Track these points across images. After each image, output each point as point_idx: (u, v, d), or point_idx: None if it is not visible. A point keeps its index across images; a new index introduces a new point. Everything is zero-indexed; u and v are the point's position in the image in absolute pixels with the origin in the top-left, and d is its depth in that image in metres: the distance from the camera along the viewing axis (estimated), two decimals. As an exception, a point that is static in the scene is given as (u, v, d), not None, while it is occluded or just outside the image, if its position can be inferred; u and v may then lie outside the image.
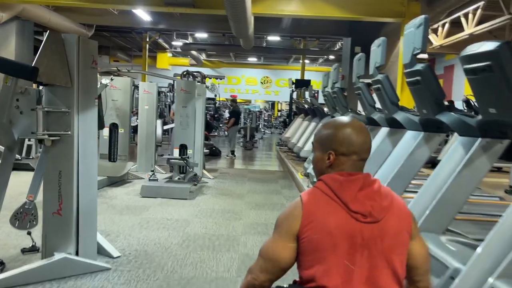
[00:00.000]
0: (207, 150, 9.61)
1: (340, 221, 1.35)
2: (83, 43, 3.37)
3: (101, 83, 6.62)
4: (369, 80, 5.34)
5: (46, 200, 3.40)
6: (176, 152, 7.69)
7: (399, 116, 4.44)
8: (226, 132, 13.38)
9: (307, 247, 1.37)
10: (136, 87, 9.52)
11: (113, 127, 7.80)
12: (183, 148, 7.66)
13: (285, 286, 1.45)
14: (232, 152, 12.45)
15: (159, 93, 15.26)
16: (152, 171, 7.09)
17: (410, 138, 4.25)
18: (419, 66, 3.54)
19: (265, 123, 27.24)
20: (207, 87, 8.83)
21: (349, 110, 7.08)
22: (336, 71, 6.98)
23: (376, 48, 4.68)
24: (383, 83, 4.50)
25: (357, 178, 1.40)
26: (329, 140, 1.44)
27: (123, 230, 4.70)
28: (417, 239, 1.48)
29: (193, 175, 7.05)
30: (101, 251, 3.86)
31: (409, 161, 4.06)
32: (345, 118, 1.48)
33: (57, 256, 3.35)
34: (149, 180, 6.90)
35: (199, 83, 8.56)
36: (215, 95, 10.50)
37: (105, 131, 7.76)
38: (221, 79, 12.20)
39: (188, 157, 7.13)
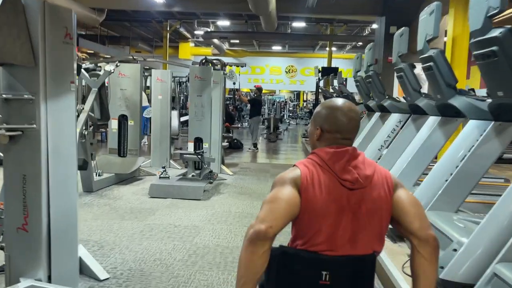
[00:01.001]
0: (227, 144, 8.86)
1: (331, 187, 1.52)
2: (51, 11, 2.61)
3: (104, 70, 5.91)
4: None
5: (8, 213, 2.69)
6: (191, 146, 6.96)
7: (458, 102, 3.68)
8: (248, 124, 12.58)
9: (305, 210, 1.51)
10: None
11: (122, 119, 7.11)
12: (198, 142, 6.92)
13: (281, 246, 1.55)
14: (255, 145, 11.65)
15: (180, 83, 14.63)
16: (164, 167, 6.36)
17: (473, 129, 3.53)
18: (497, 32, 2.62)
19: (290, 114, 26.29)
20: (225, 74, 8.04)
21: (387, 97, 6.17)
22: (371, 52, 6.07)
23: (428, 16, 3.81)
24: (436, 60, 3.66)
25: (345, 151, 1.56)
26: (319, 117, 1.63)
27: (120, 241, 3.98)
28: (401, 190, 1.60)
29: (208, 172, 6.29)
30: (85, 271, 3.14)
31: (474, 158, 3.32)
32: (337, 100, 1.64)
33: (23, 283, 2.64)
34: (160, 178, 6.19)
35: (216, 70, 7.76)
36: (234, 83, 9.68)
37: (114, 124, 7.09)
38: (242, 66, 11.36)
39: (203, 152, 6.37)
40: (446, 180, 3.44)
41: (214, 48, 22.13)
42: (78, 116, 5.32)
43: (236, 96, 16.99)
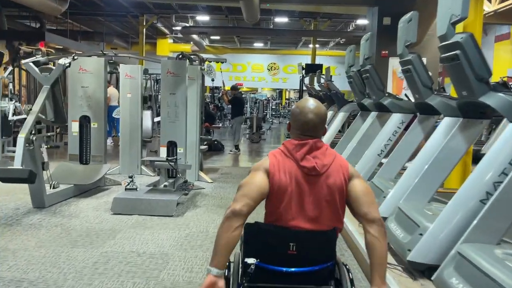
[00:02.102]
0: (205, 147, 8.03)
1: (293, 173, 1.80)
2: None
3: (57, 64, 5.02)
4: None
5: None
6: (163, 151, 6.10)
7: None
8: (230, 124, 11.70)
9: (272, 191, 1.80)
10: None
11: (84, 121, 6.21)
12: (171, 146, 6.06)
13: (256, 222, 1.84)
14: (236, 147, 10.80)
15: (157, 81, 13.69)
16: (131, 176, 5.47)
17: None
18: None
19: (273, 112, 25.54)
20: (202, 69, 7.19)
21: (386, 94, 5.43)
22: (368, 43, 5.30)
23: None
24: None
25: (307, 143, 1.83)
26: (291, 114, 1.94)
27: (64, 280, 3.11)
28: (356, 179, 1.85)
29: (183, 182, 5.44)
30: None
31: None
32: (306, 101, 1.90)
33: None
34: (126, 189, 5.31)
35: (192, 65, 6.92)
36: (213, 79, 8.86)
37: (74, 126, 6.18)
38: (222, 62, 10.53)
39: (176, 159, 5.53)
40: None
41: (194, 44, 21.21)
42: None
43: (217, 95, 16.14)
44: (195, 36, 20.43)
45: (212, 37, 25.05)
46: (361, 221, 1.81)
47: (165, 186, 5.51)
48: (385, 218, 3.54)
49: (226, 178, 7.32)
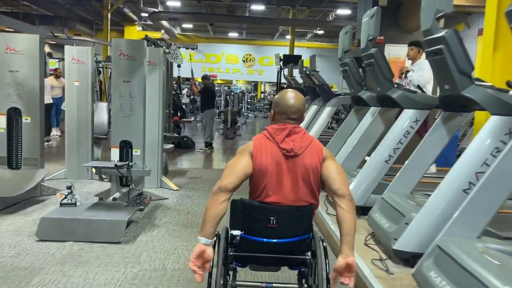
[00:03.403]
0: (171, 146, 6.81)
1: (273, 154, 1.99)
2: None
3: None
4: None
5: None
6: (115, 154, 4.88)
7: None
8: (200, 118, 10.44)
9: (255, 170, 1.98)
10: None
11: (14, 115, 4.92)
12: (125, 147, 4.85)
13: (241, 198, 2.03)
14: (207, 144, 9.57)
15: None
16: (70, 187, 4.22)
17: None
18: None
19: (248, 106, 24.38)
20: (166, 52, 5.95)
21: (395, 86, 4.36)
22: (374, 21, 4.14)
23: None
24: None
25: (286, 127, 2.02)
26: (274, 103, 2.13)
27: None
28: (329, 160, 2.04)
29: (136, 195, 4.24)
30: None
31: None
32: (287, 90, 2.13)
33: None
34: (61, 205, 4.07)
35: (151, 47, 5.69)
36: (179, 65, 7.67)
37: (1, 121, 4.89)
38: (193, 49, 9.35)
39: (128, 165, 4.32)
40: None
41: (165, 33, 19.75)
42: None
43: (182, 86, 14.81)
44: (165, 23, 19.02)
45: (184, 25, 23.70)
46: (333, 197, 1.99)
47: (114, 199, 4.30)
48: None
49: (195, 184, 6.14)
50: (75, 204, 4.08)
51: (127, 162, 4.31)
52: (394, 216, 3.25)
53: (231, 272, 2.13)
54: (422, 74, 5.11)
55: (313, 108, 8.64)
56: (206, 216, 1.89)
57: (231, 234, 2.02)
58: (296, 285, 2.18)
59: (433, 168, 4.96)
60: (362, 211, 4.08)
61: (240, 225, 2.00)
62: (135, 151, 4.87)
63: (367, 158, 4.74)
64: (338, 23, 18.46)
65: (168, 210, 4.77)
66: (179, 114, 11.68)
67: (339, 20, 18.83)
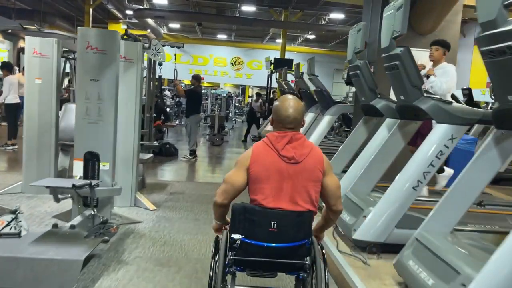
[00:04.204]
0: (150, 156, 5.94)
1: (273, 161, 2.07)
2: None
3: None
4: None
5: None
6: (79, 168, 4.01)
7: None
8: (184, 123, 9.47)
9: (253, 177, 2.09)
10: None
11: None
12: (92, 160, 3.98)
13: (242, 203, 2.11)
14: (192, 152, 8.70)
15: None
16: (15, 212, 3.33)
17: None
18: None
19: (236, 110, 23.55)
20: (145, 47, 5.09)
21: (425, 94, 3.58)
22: (401, 14, 3.32)
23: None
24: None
25: (286, 135, 2.10)
26: (273, 110, 2.22)
27: None
28: (329, 175, 2.16)
29: (99, 224, 3.37)
30: None
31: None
32: (285, 98, 2.20)
33: None
34: (1, 236, 3.18)
35: (125, 40, 4.84)
36: (160, 63, 6.83)
37: None
38: (178, 47, 8.49)
39: (91, 184, 3.45)
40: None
41: (151, 32, 18.88)
42: None
43: (165, 87, 13.91)
44: (151, 22, 18.16)
45: (171, 25, 22.83)
46: (327, 207, 2.22)
47: (72, 227, 3.42)
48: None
49: (176, 202, 5.28)
50: (19, 234, 3.20)
51: (88, 182, 3.42)
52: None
53: (229, 276, 2.16)
54: (446, 80, 4.36)
55: (310, 116, 7.86)
56: (215, 214, 2.23)
57: (232, 238, 2.07)
58: None
59: (425, 191, 4.34)
60: (383, 248, 3.29)
61: (240, 229, 2.07)
62: (103, 165, 4.02)
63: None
64: (332, 27, 17.83)
65: (141, 238, 3.91)
66: (162, 117, 10.79)
67: (332, 24, 18.19)
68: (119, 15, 18.11)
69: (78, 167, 4.00)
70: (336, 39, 22.80)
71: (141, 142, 6.32)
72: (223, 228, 2.23)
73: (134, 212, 4.66)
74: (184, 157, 8.65)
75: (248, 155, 2.11)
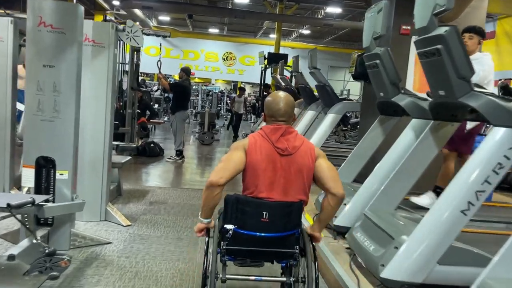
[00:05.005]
0: (127, 158, 5.09)
1: (268, 152, 2.12)
2: None
3: None
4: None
5: None
6: (29, 177, 3.18)
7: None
8: (170, 121, 8.53)
9: (251, 165, 2.11)
10: None
11: None
12: (45, 167, 3.15)
13: (236, 193, 2.13)
14: (179, 153, 7.84)
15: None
16: None
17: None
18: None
19: (228, 107, 22.72)
20: (119, 30, 4.21)
21: (474, 89, 2.79)
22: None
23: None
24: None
25: (280, 127, 2.16)
26: (265, 105, 2.25)
27: None
28: (321, 159, 2.20)
29: (45, 255, 2.53)
30: None
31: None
32: (277, 93, 2.26)
33: None
34: None
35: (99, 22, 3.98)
36: (138, 50, 5.99)
37: None
38: (165, 37, 7.68)
39: (34, 202, 2.62)
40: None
41: (139, 24, 17.97)
42: None
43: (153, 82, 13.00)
44: (139, 14, 17.29)
45: (160, 18, 21.90)
46: (326, 192, 2.18)
47: (11, 258, 2.57)
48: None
49: (156, 214, 4.45)
50: None
51: (30, 199, 2.57)
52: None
53: (221, 266, 2.16)
54: (483, 68, 3.62)
55: (310, 114, 7.06)
56: (204, 205, 2.15)
57: (224, 228, 2.10)
58: (283, 278, 2.33)
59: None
60: (420, 290, 2.51)
61: (233, 219, 2.09)
62: (60, 174, 3.19)
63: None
64: (329, 21, 17.05)
65: (106, 267, 3.08)
66: (147, 113, 9.91)
67: (328, 18, 17.42)
68: (106, 5, 17.20)
69: (28, 177, 3.16)
70: (331, 34, 22.05)
71: (118, 143, 5.49)
72: (206, 230, 2.21)
73: (103, 229, 3.83)
74: (170, 158, 7.80)
75: (245, 142, 2.15)
